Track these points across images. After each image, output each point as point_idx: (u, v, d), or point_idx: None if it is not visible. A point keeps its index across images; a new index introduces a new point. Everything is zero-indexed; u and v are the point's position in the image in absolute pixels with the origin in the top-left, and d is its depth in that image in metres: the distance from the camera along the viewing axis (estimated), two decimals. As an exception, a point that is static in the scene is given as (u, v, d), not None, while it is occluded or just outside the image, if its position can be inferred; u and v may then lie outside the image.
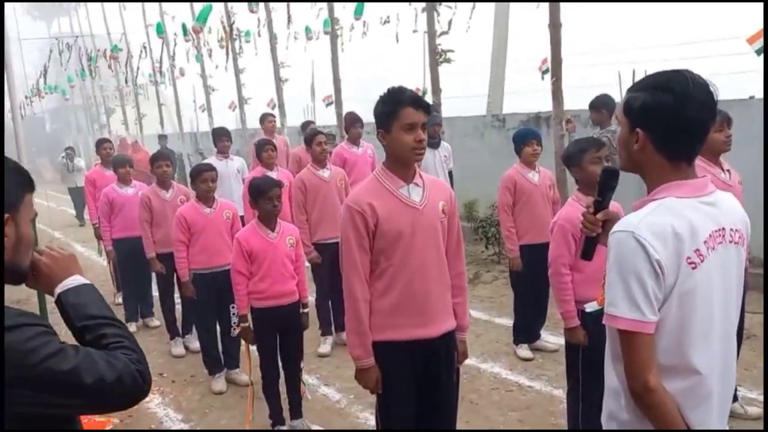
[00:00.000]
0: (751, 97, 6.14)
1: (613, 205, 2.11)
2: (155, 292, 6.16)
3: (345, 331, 5.47)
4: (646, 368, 1.58)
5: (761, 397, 4.03)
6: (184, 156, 17.21)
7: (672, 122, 1.62)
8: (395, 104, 2.54)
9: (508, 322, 5.76)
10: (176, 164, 13.98)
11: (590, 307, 2.06)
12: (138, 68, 19.53)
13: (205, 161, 7.16)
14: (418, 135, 2.53)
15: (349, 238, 2.59)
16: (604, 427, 1.83)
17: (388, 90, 2.61)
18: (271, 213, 3.86)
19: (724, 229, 1.65)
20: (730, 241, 1.67)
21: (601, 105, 6.08)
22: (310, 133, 5.65)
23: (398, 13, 7.84)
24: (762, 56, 4.59)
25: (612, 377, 1.77)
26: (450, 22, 7.38)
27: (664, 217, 1.59)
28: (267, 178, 4.08)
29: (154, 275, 5.90)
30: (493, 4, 8.33)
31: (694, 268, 1.58)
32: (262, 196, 3.82)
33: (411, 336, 2.65)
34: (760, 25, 4.56)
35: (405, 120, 2.52)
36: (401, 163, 2.62)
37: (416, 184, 2.65)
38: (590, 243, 1.99)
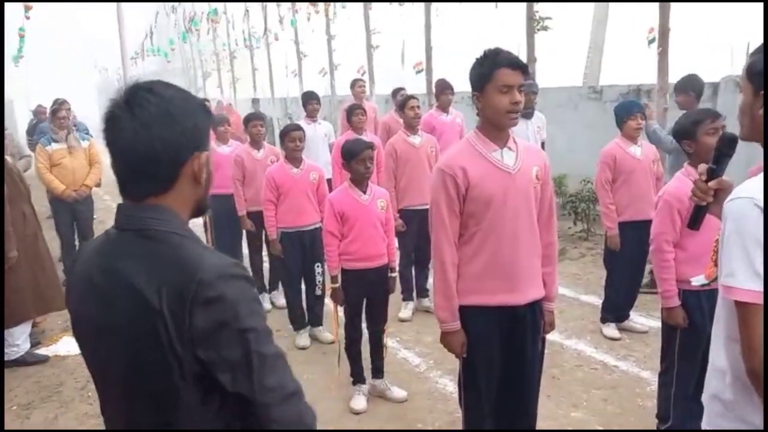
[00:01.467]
0: None
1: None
2: (245, 249, 6.38)
3: (426, 298, 5.65)
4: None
5: None
6: (274, 120, 17.63)
7: None
8: (491, 65, 2.47)
9: (595, 300, 5.60)
10: (268, 127, 14.35)
11: (697, 280, 1.96)
12: (233, 32, 20.01)
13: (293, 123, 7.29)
14: (514, 97, 2.45)
15: (440, 202, 2.57)
16: (705, 408, 1.74)
17: (485, 51, 2.54)
18: (363, 175, 3.88)
19: None
20: None
21: (688, 86, 5.43)
22: (403, 98, 5.62)
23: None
24: None
25: (720, 356, 1.67)
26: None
27: None
28: (359, 140, 4.09)
29: (244, 232, 6.11)
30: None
31: None
32: (355, 157, 3.84)
33: (498, 302, 2.62)
34: None
35: (501, 81, 2.44)
36: (496, 127, 2.55)
37: (510, 149, 2.59)
38: (699, 212, 1.89)
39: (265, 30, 16.33)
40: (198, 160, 1.34)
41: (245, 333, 1.24)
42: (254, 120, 5.77)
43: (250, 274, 1.35)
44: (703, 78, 7.13)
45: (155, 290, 1.22)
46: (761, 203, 1.45)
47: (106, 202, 11.28)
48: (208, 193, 1.43)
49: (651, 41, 6.10)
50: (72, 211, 6.67)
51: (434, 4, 9.32)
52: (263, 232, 5.65)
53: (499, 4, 8.01)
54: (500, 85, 2.44)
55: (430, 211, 2.66)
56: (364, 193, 3.95)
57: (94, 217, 7.26)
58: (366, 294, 4.07)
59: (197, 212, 1.42)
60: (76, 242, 6.88)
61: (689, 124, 3.09)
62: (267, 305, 5.98)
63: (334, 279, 4.06)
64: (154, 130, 1.28)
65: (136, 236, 1.31)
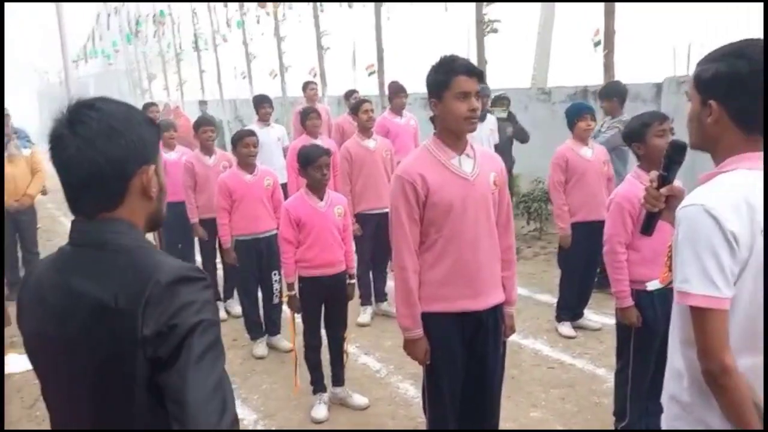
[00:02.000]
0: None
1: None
2: (198, 257, 6.25)
3: (384, 302, 5.64)
4: (722, 348, 1.50)
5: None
6: (224, 123, 17.35)
7: (749, 90, 1.53)
8: (448, 72, 2.48)
9: (550, 299, 5.70)
10: (219, 131, 14.11)
11: (652, 285, 2.00)
12: (180, 34, 19.60)
13: (246, 128, 7.18)
14: (472, 104, 2.47)
15: (400, 209, 2.57)
16: (664, 409, 1.78)
17: (440, 58, 2.55)
18: (319, 181, 3.84)
19: None
20: None
21: (612, 93, 5.62)
22: (356, 102, 5.59)
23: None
24: None
25: (677, 359, 1.71)
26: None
27: (738, 189, 1.51)
28: (315, 146, 4.05)
29: (196, 240, 5.98)
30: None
31: None
32: (311, 164, 3.80)
33: (460, 308, 2.64)
34: None
35: (458, 88, 2.46)
36: (453, 134, 2.57)
37: (468, 156, 2.61)
38: (651, 218, 1.91)
39: (212, 32, 16.03)
40: (145, 174, 1.34)
41: (193, 335, 1.22)
42: (204, 126, 5.65)
43: (205, 276, 1.33)
44: (647, 79, 7.38)
45: (112, 297, 1.23)
46: (712, 210, 1.48)
47: (50, 211, 10.88)
48: (162, 206, 1.43)
49: (597, 43, 6.26)
50: (14, 222, 6.40)
51: (384, 6, 9.32)
52: (216, 240, 5.54)
53: (449, 6, 8.08)
54: (458, 92, 2.45)
55: (390, 219, 2.65)
56: (321, 199, 3.91)
57: (38, 226, 6.99)
58: (324, 301, 4.03)
59: (152, 226, 1.42)
60: (19, 254, 6.61)
61: (638, 127, 3.16)
62: (222, 314, 5.86)
63: (290, 287, 4.01)
64: (98, 146, 1.28)
65: (92, 250, 1.31)
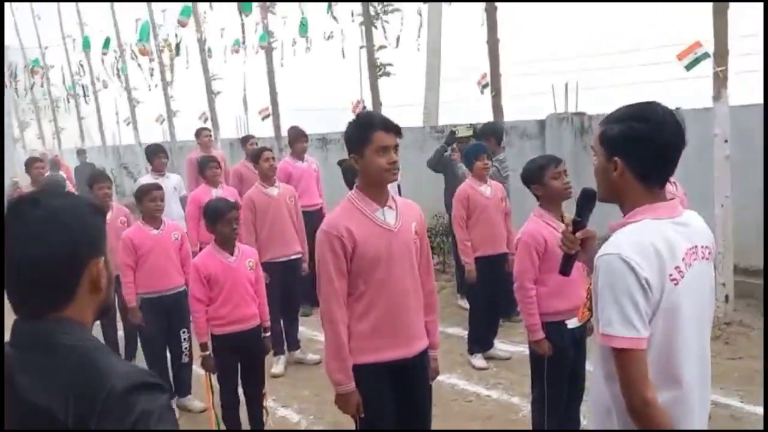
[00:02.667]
0: (677, 109, 6.51)
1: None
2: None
3: (297, 350, 5.55)
4: (644, 384, 1.65)
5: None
6: (107, 171, 16.52)
7: (649, 149, 1.73)
8: (367, 129, 2.58)
9: (459, 331, 5.85)
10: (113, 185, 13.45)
11: (571, 323, 2.14)
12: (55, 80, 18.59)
13: (144, 180, 6.91)
14: (391, 157, 2.58)
15: (327, 263, 2.59)
16: None
17: (358, 115, 2.67)
18: (229, 236, 3.77)
19: (696, 246, 1.77)
20: (702, 258, 1.79)
21: (489, 133, 5.97)
22: (256, 150, 5.56)
23: (342, 29, 7.88)
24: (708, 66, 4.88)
25: (603, 395, 1.83)
26: (398, 38, 7.45)
27: (646, 237, 1.69)
28: (223, 200, 3.98)
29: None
30: (424, 15, 8.45)
31: (676, 285, 1.68)
32: (220, 219, 3.72)
33: (390, 357, 2.67)
34: (690, 41, 4.87)
35: (377, 143, 2.55)
36: (375, 186, 2.65)
37: (390, 207, 2.69)
38: (568, 260, 2.07)
39: (92, 79, 15.33)
40: (96, 267, 1.28)
41: None
42: (101, 182, 5.36)
43: (162, 381, 1.27)
44: (531, 115, 7.89)
45: (62, 403, 1.16)
46: (627, 258, 1.64)
47: None
48: (110, 294, 1.37)
49: (485, 86, 6.62)
50: None
51: (278, 53, 9.38)
52: (116, 299, 5.25)
53: (343, 51, 8.28)
54: (378, 147, 2.54)
55: (318, 273, 2.66)
56: (232, 254, 3.83)
57: None
58: (240, 358, 3.92)
59: (99, 317, 1.35)
60: None
61: (535, 169, 3.39)
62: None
63: (203, 346, 3.86)
64: (46, 244, 1.22)
65: (40, 355, 1.22)
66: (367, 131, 2.56)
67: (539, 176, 3.36)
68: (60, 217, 1.25)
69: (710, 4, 4.89)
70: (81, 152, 14.83)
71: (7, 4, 19.06)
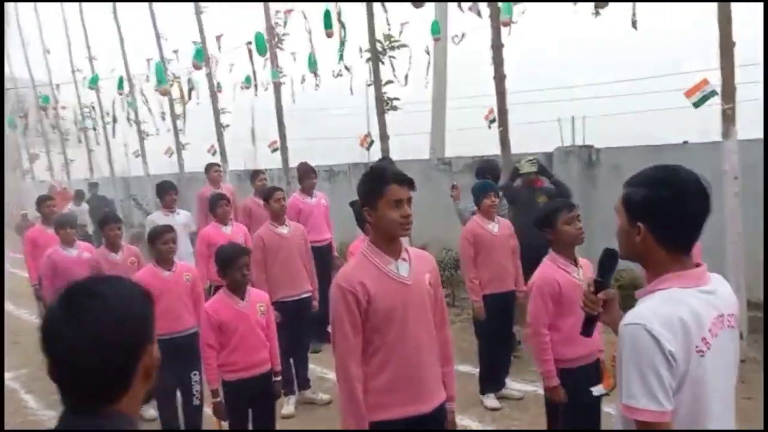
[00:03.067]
0: (685, 143, 6.54)
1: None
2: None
3: (308, 389, 5.51)
4: None
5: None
6: (116, 202, 16.65)
7: (673, 216, 1.71)
8: (380, 182, 2.57)
9: (470, 368, 5.79)
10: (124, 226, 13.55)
11: (597, 391, 2.11)
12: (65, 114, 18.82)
13: (155, 217, 6.95)
14: (405, 210, 2.57)
15: (342, 319, 2.56)
16: None
17: (371, 168, 2.67)
18: (240, 282, 3.76)
19: (722, 315, 1.74)
20: (728, 326, 1.76)
21: (486, 171, 6.12)
22: (268, 190, 5.58)
23: (351, 66, 7.97)
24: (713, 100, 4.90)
25: None
26: (406, 76, 7.54)
27: (672, 308, 1.66)
28: (234, 246, 3.98)
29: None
30: (431, 49, 8.57)
31: (702, 356, 1.66)
32: (231, 265, 3.72)
33: (407, 413, 2.63)
34: (692, 69, 4.91)
35: (391, 197, 2.55)
36: (389, 239, 2.64)
37: (404, 259, 2.67)
38: (591, 321, 2.04)
39: (101, 114, 15.52)
40: (150, 356, 1.29)
41: None
42: (111, 223, 5.40)
43: None
44: (538, 148, 7.92)
45: None
46: (653, 330, 1.61)
47: None
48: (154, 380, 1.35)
49: (492, 121, 6.67)
50: None
51: (286, 88, 9.49)
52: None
53: (351, 89, 8.38)
54: (391, 200, 2.54)
55: (333, 329, 2.63)
56: (242, 299, 3.83)
57: None
58: (251, 403, 3.89)
59: (144, 402, 1.34)
60: None
61: (549, 214, 3.39)
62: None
63: (214, 393, 3.84)
64: (106, 337, 1.21)
65: None
66: (381, 184, 2.56)
67: (552, 221, 3.35)
68: (116, 308, 1.24)
69: (714, 29, 4.90)
70: (93, 185, 14.78)
71: (17, 38, 19.44)
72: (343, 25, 7.74)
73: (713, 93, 4.89)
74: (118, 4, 14.17)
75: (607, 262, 1.97)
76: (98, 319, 1.21)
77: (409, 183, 2.60)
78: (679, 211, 1.70)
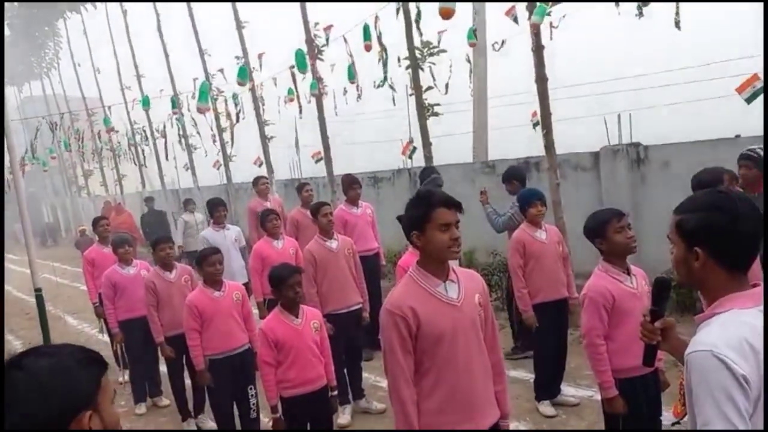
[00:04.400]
0: (737, 136, 6.33)
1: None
2: (162, 367, 6.06)
3: (362, 399, 5.58)
4: None
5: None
6: (168, 214, 17.14)
7: (729, 238, 1.70)
8: (428, 206, 2.59)
9: (524, 374, 5.76)
10: (166, 224, 13.90)
11: (667, 419, 2.09)
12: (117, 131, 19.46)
13: (207, 234, 7.13)
14: (453, 233, 2.58)
15: (393, 343, 2.58)
16: None
17: (418, 193, 2.68)
18: (293, 300, 3.85)
19: None
20: None
21: (512, 177, 6.31)
22: (315, 205, 5.66)
23: (391, 77, 8.02)
24: (762, 99, 4.74)
25: None
26: (447, 85, 7.55)
27: (736, 330, 1.63)
28: (286, 265, 4.07)
29: (160, 354, 5.81)
30: (470, 56, 8.55)
31: None
32: (284, 283, 3.81)
33: None
34: (747, 75, 4.75)
35: (439, 221, 2.57)
36: (438, 262, 2.65)
37: (452, 281, 2.68)
38: (651, 351, 2.05)
39: (151, 130, 16.00)
40: (84, 423, 1.32)
41: None
42: (162, 243, 5.57)
43: None
44: (584, 148, 7.80)
45: None
46: (720, 355, 1.59)
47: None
48: None
49: (536, 124, 6.61)
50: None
51: (328, 101, 9.62)
52: (183, 357, 5.43)
53: (394, 99, 8.42)
54: (440, 224, 2.56)
55: (384, 353, 2.66)
56: (297, 317, 3.91)
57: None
58: (309, 418, 3.97)
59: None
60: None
61: (598, 224, 3.34)
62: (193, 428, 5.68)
63: (273, 409, 3.93)
64: (27, 409, 1.26)
65: None
66: (428, 209, 2.57)
67: (602, 230, 3.31)
68: (41, 381, 1.29)
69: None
70: (149, 199, 14.91)
71: (68, 58, 20.15)
72: (384, 48, 7.80)
73: (763, 89, 4.73)
74: (162, 20, 14.59)
75: (660, 291, 1.97)
76: (19, 391, 1.27)
77: (457, 206, 2.62)
78: (736, 232, 1.70)
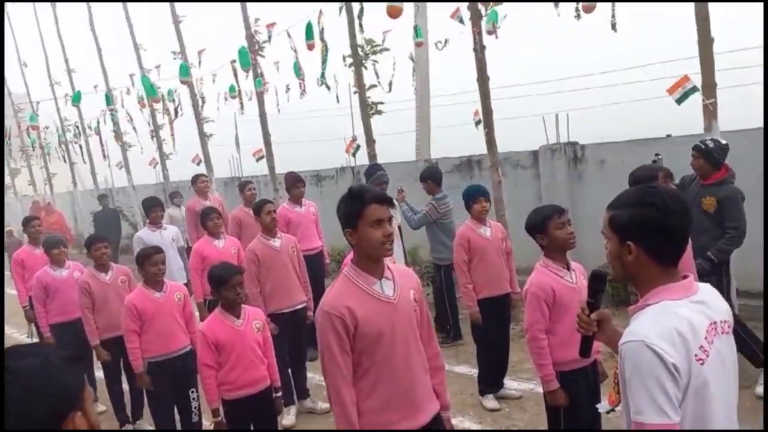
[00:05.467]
0: (668, 136, 6.61)
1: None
2: (98, 372, 5.84)
3: (307, 399, 5.52)
4: None
5: None
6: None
7: (659, 232, 1.78)
8: (360, 203, 2.56)
9: (467, 369, 5.84)
10: (119, 223, 13.36)
11: (602, 407, 2.14)
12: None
13: (142, 234, 6.91)
14: (386, 230, 2.56)
15: (331, 344, 2.53)
16: None
17: (350, 190, 2.63)
18: (234, 301, 3.76)
19: (715, 322, 1.79)
20: (722, 332, 1.81)
21: (427, 177, 6.55)
22: (258, 203, 5.56)
23: (335, 74, 7.97)
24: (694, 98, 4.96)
25: None
26: (390, 83, 7.57)
27: (668, 321, 1.71)
28: (226, 265, 3.98)
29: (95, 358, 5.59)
30: (414, 55, 8.60)
31: (702, 364, 1.70)
32: (224, 284, 3.73)
33: (403, 429, 2.64)
34: (679, 76, 4.96)
35: (371, 217, 2.54)
36: (372, 259, 2.62)
37: (387, 278, 2.66)
38: (587, 341, 2.12)
39: (82, 127, 15.37)
40: (71, 423, 1.28)
41: None
42: (97, 243, 5.36)
43: None
44: (523, 143, 7.98)
45: None
46: (652, 345, 1.65)
47: None
48: None
49: (478, 122, 6.71)
50: None
51: (268, 97, 9.47)
52: (121, 360, 5.24)
53: (338, 97, 8.38)
54: (372, 220, 2.53)
55: (321, 354, 2.61)
56: (238, 317, 3.83)
57: None
58: (253, 420, 3.89)
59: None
60: None
61: (539, 219, 3.41)
62: (132, 436, 5.49)
63: (215, 412, 3.83)
64: (18, 413, 1.22)
65: None
66: (360, 205, 2.54)
67: (544, 226, 3.38)
68: (29, 382, 1.25)
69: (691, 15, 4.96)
70: (103, 197, 13.89)
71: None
72: (325, 44, 7.76)
73: (694, 89, 4.95)
74: (94, 14, 14.02)
75: (596, 284, 2.03)
76: (8, 395, 1.23)
77: (388, 202, 2.60)
78: (667, 226, 1.77)
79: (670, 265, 1.80)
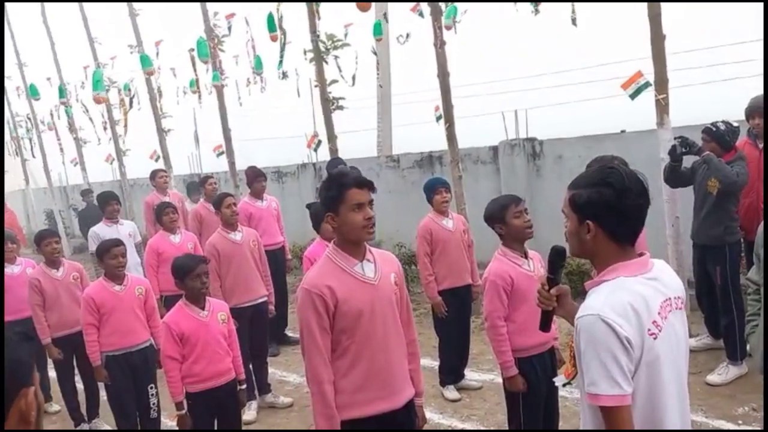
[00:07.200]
0: (623, 132, 6.80)
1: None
2: (51, 372, 5.70)
3: (269, 393, 5.49)
4: None
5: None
6: (55, 212, 16.06)
7: (617, 212, 1.84)
8: (340, 187, 2.61)
9: (429, 362, 5.87)
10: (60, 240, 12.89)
11: (559, 380, 2.21)
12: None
13: (98, 229, 6.75)
14: (367, 213, 2.61)
15: (310, 322, 2.58)
16: None
17: (330, 174, 2.70)
18: (199, 291, 3.73)
19: (669, 298, 1.87)
20: (676, 308, 1.89)
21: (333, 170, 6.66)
22: (218, 197, 5.51)
23: (295, 68, 7.93)
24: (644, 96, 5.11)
25: None
26: (353, 77, 7.58)
27: (622, 296, 1.78)
28: (191, 255, 3.96)
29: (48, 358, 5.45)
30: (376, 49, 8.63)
31: (655, 339, 1.77)
32: (189, 274, 3.69)
33: (377, 410, 2.68)
34: (631, 72, 5.11)
35: (352, 201, 2.59)
36: (353, 242, 2.67)
37: (368, 260, 2.71)
38: (547, 316, 2.17)
39: (35, 122, 14.91)
40: (24, 399, 1.26)
41: None
42: (48, 238, 5.23)
43: None
44: (483, 139, 8.10)
45: None
46: (607, 318, 1.72)
47: None
48: (40, 427, 1.34)
49: (438, 118, 6.78)
50: None
51: (231, 91, 9.37)
52: (73, 358, 5.14)
53: (298, 90, 8.34)
54: (353, 204, 2.58)
55: (301, 332, 2.65)
56: (203, 309, 3.80)
57: None
58: (217, 414, 3.86)
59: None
60: None
61: (498, 208, 3.48)
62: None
63: (179, 405, 3.79)
64: None
65: None
66: (341, 189, 2.59)
67: (502, 215, 3.45)
68: None
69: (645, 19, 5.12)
70: (86, 192, 13.07)
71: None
72: (284, 32, 7.71)
73: (647, 84, 5.11)
74: (47, 7, 13.63)
75: (555, 259, 2.09)
76: None
77: (369, 185, 2.64)
78: (624, 206, 1.83)
79: (627, 244, 1.87)
